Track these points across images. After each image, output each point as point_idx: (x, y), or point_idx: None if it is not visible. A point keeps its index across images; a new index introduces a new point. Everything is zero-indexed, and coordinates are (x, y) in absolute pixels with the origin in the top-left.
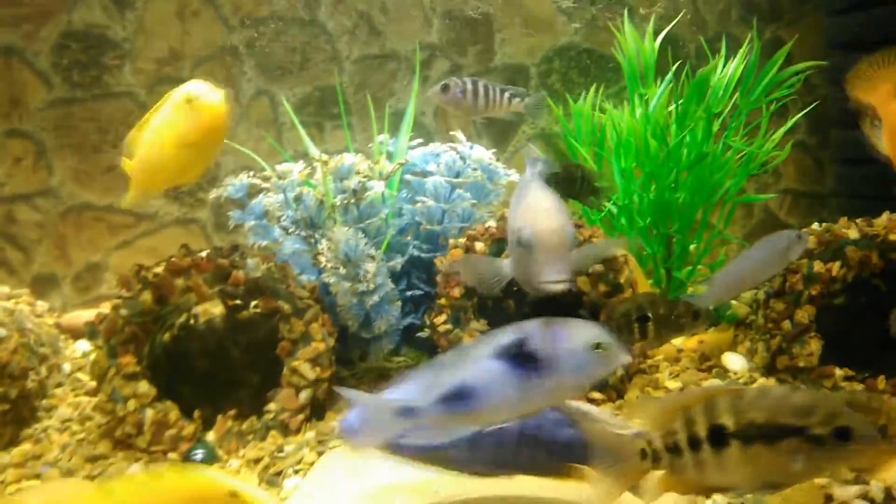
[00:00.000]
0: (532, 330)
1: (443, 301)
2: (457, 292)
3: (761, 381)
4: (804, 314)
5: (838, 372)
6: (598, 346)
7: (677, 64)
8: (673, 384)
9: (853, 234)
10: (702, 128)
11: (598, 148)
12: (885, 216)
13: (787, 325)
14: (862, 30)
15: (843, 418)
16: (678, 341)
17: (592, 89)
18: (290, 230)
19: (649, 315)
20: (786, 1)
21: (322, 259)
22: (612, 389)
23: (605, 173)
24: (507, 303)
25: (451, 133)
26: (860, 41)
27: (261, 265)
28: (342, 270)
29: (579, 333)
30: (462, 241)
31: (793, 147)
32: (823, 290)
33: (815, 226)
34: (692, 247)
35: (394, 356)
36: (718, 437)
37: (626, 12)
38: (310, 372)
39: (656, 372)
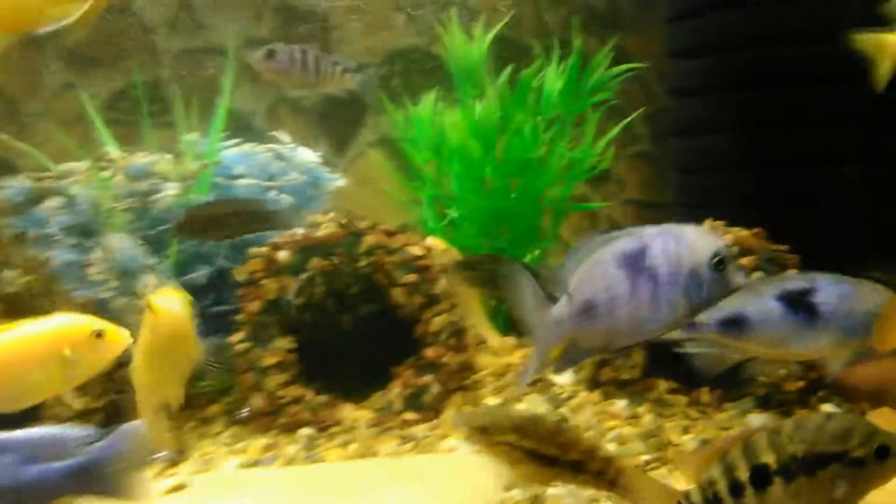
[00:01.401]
0: (821, 282)
1: (241, 317)
2: (255, 306)
3: (584, 394)
4: None
5: (663, 384)
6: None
7: (509, 68)
8: (494, 401)
9: None
10: (528, 133)
11: (436, 154)
12: (707, 223)
13: None
14: (696, 37)
15: (880, 437)
16: (505, 356)
17: (433, 93)
18: (59, 237)
19: None
20: (628, 9)
21: (93, 270)
22: (429, 409)
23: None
24: (318, 318)
25: (272, 134)
26: (694, 49)
27: (19, 278)
28: (114, 283)
29: (869, 297)
30: (264, 249)
31: (636, 157)
32: None
33: None
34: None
35: (197, 381)
36: (761, 477)
37: (453, 13)
38: (75, 401)
39: (480, 387)
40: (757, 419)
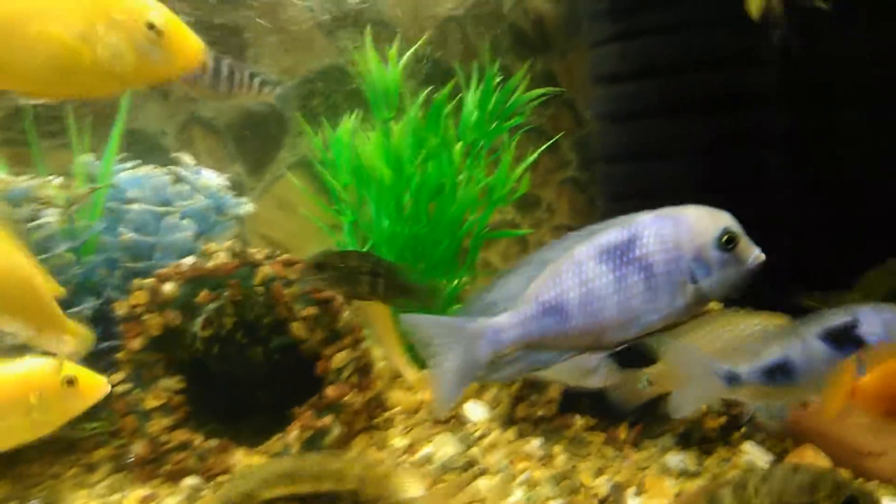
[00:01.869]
0: (862, 313)
1: (121, 355)
2: (137, 343)
3: (497, 433)
4: None
5: (579, 421)
6: None
7: (427, 91)
8: (401, 441)
9: None
10: (442, 158)
11: (356, 179)
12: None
13: None
14: (619, 63)
15: (847, 489)
16: (421, 391)
17: (354, 115)
18: None
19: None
20: (556, 33)
21: None
22: (331, 449)
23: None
24: (226, 351)
25: (174, 155)
26: (617, 75)
27: None
28: None
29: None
30: (149, 281)
31: (565, 183)
32: None
33: None
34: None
35: (85, 423)
36: None
37: (367, 32)
38: None
39: (390, 427)
40: (675, 458)
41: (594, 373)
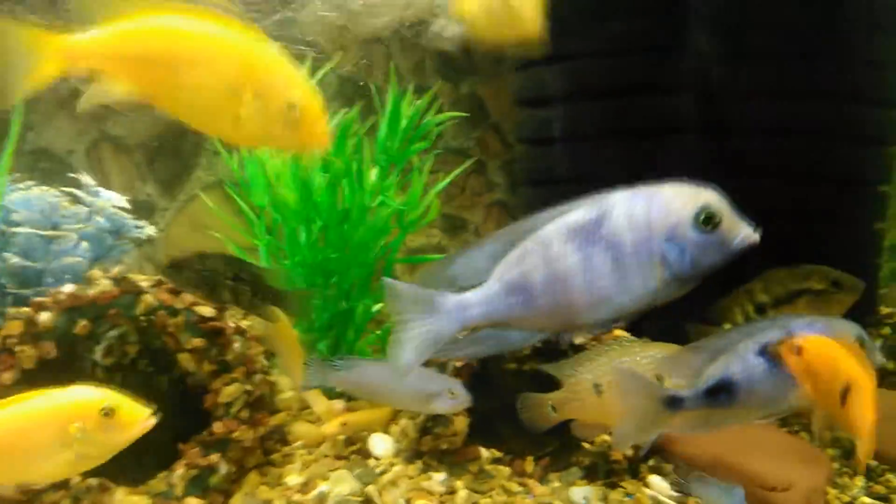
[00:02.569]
0: (798, 326)
1: None
2: (8, 377)
3: (400, 468)
4: None
5: (485, 453)
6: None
7: (343, 112)
8: (297, 479)
9: None
10: (352, 182)
11: (271, 201)
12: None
13: None
14: (540, 87)
15: None
16: (329, 423)
17: None
18: None
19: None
20: (483, 57)
21: None
22: (217, 492)
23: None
24: (130, 379)
25: (72, 175)
26: (538, 98)
27: None
28: None
29: (846, 330)
30: (26, 310)
31: (493, 206)
32: (471, 360)
33: None
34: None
35: None
36: None
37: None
38: None
39: (288, 462)
40: (580, 493)
41: (438, 397)
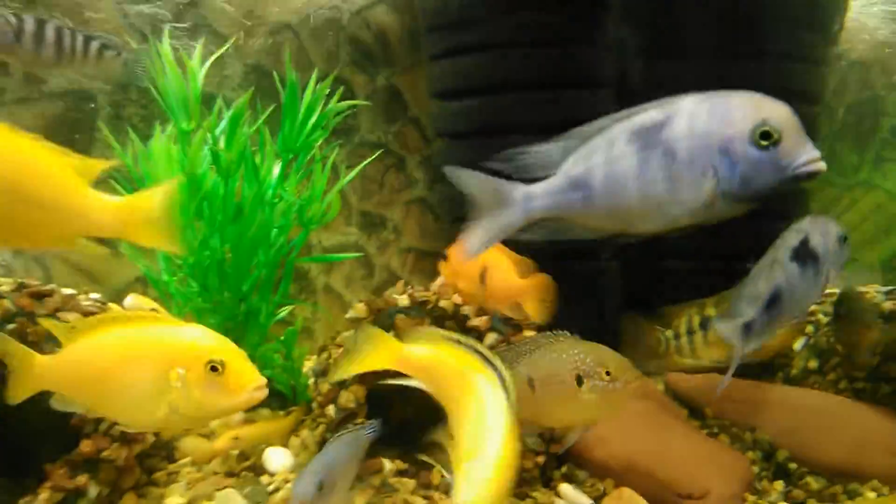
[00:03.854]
0: (809, 227)
1: None
2: None
3: (288, 487)
4: (350, 397)
5: (389, 465)
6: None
7: (242, 100)
8: (179, 500)
9: (404, 301)
10: (247, 175)
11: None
12: (440, 280)
13: (331, 410)
14: (453, 78)
15: None
16: (222, 437)
17: (169, 126)
18: None
19: None
20: (399, 46)
21: None
22: None
23: None
24: None
25: None
26: (453, 90)
27: None
28: None
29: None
30: None
31: (413, 203)
32: None
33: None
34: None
35: None
36: None
37: (166, 33)
38: None
39: (173, 482)
40: None
41: None
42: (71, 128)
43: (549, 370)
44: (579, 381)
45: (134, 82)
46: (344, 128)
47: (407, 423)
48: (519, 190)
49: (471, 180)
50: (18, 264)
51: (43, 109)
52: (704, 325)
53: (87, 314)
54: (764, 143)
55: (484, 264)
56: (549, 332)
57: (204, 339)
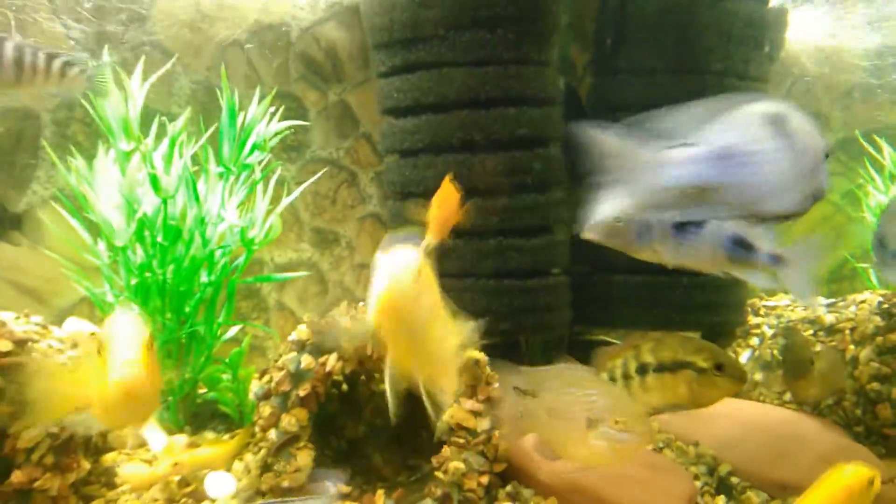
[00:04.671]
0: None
1: None
2: None
3: None
4: (292, 420)
5: (332, 490)
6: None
7: (183, 123)
8: None
9: (346, 322)
10: (187, 196)
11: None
12: None
13: (273, 434)
14: (401, 95)
15: None
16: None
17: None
18: None
19: None
20: (349, 63)
21: None
22: None
23: None
24: None
25: None
26: (404, 108)
27: None
28: None
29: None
30: None
31: (366, 219)
32: (318, 388)
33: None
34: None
35: None
36: None
37: (104, 55)
38: None
39: None
40: None
41: None
42: (14, 147)
43: (562, 404)
44: (590, 424)
45: (101, 95)
46: (295, 144)
47: (358, 443)
48: (668, 153)
49: (606, 140)
50: None
51: None
52: (642, 370)
53: (20, 341)
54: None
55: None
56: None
57: None
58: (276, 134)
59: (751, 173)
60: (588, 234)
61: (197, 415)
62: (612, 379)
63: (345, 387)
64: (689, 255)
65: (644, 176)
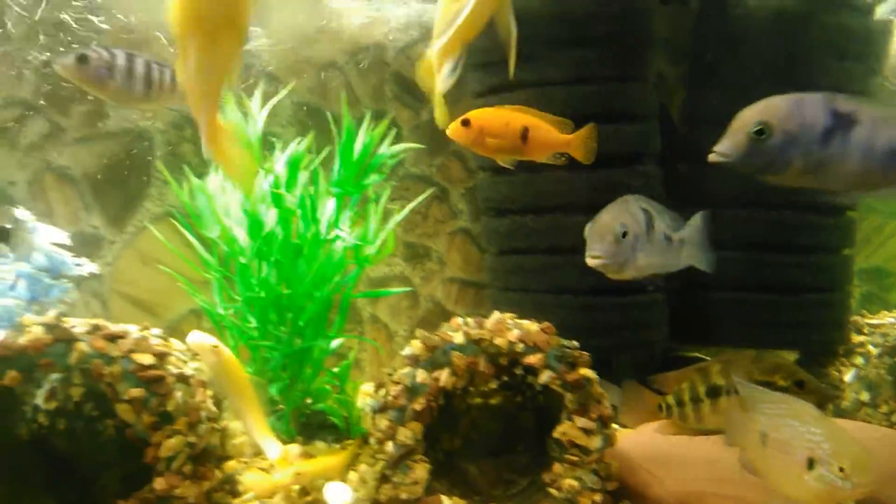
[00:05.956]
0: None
1: None
2: None
3: None
4: (409, 433)
5: (447, 502)
6: None
7: (297, 141)
8: None
9: (459, 338)
10: (304, 215)
11: (223, 235)
12: (494, 317)
13: (390, 446)
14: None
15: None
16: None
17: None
18: None
19: None
20: None
21: None
22: None
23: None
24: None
25: (6, 209)
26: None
27: None
28: None
29: None
30: None
31: (457, 234)
32: (432, 402)
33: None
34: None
35: None
36: None
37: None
38: None
39: None
40: None
41: None
42: (129, 166)
43: (784, 436)
44: (810, 464)
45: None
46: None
47: (454, 455)
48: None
49: None
50: (77, 298)
51: (102, 148)
52: (713, 392)
53: (160, 354)
54: None
55: (524, 124)
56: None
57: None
58: (393, 156)
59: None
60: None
61: (306, 425)
62: (680, 403)
63: (441, 400)
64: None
65: None
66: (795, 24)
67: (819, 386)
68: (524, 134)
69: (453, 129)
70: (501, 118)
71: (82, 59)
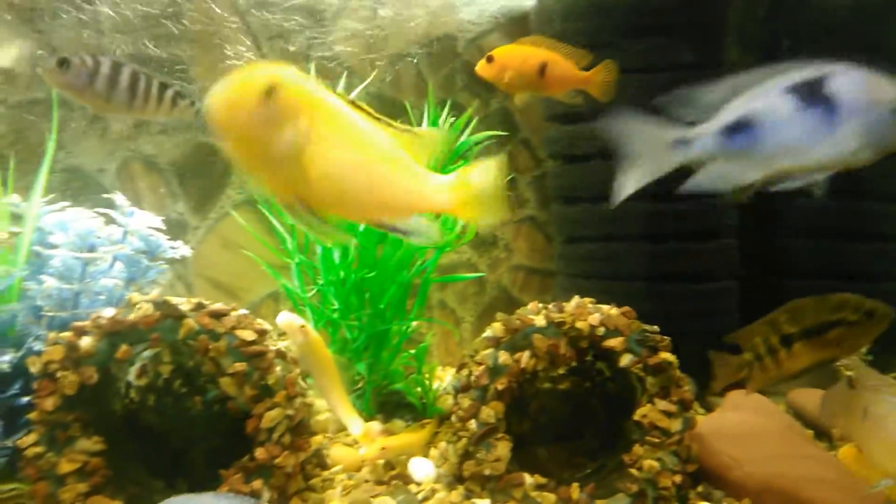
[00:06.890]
0: (835, 70)
1: (33, 415)
2: (50, 403)
3: (442, 494)
4: (491, 412)
5: (529, 480)
6: None
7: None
8: None
9: (540, 321)
10: None
11: None
12: (574, 301)
13: (472, 424)
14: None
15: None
16: (367, 446)
17: None
18: None
19: None
20: None
21: None
22: None
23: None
24: (163, 401)
25: (106, 196)
26: (573, 114)
27: None
28: None
29: (889, 88)
30: (67, 335)
31: (524, 222)
32: (513, 383)
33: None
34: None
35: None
36: None
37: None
38: None
39: (329, 488)
40: None
41: None
42: (207, 153)
43: (883, 411)
44: None
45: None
46: (450, 154)
47: (523, 438)
48: (671, 133)
49: (626, 124)
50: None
51: (184, 139)
52: (786, 341)
53: (261, 331)
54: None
55: (543, 59)
56: None
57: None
58: (477, 143)
59: (768, 142)
60: None
61: (384, 404)
62: (759, 357)
63: (522, 380)
64: None
65: (657, 156)
66: (880, 13)
67: (886, 310)
68: (542, 69)
69: (480, 66)
70: (521, 54)
71: (63, 64)
